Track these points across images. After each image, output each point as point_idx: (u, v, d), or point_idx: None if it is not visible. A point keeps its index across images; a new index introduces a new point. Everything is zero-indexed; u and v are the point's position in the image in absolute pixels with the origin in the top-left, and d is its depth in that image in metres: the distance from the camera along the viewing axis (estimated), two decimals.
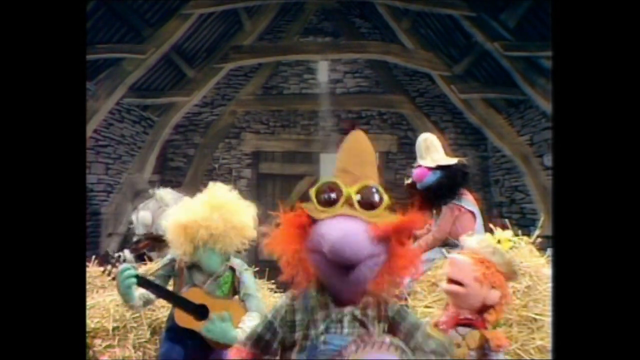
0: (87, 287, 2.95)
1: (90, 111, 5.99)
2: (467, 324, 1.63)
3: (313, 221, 1.28)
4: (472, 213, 3.08)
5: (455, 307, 1.67)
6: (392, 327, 1.34)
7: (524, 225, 5.62)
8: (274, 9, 7.96)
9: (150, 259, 3.69)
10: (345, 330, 1.30)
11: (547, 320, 2.11)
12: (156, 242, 3.74)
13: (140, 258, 3.72)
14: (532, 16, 5.98)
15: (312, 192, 1.33)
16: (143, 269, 3.07)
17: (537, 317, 2.15)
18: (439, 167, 3.07)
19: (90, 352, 2.48)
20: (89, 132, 6.13)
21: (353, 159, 1.36)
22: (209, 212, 2.12)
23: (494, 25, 6.31)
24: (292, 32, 8.49)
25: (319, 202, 1.30)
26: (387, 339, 1.26)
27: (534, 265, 2.47)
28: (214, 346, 2.04)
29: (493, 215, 7.21)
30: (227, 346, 1.97)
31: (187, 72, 7.65)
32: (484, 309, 1.65)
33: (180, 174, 8.21)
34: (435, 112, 8.33)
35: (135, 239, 3.92)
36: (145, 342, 2.58)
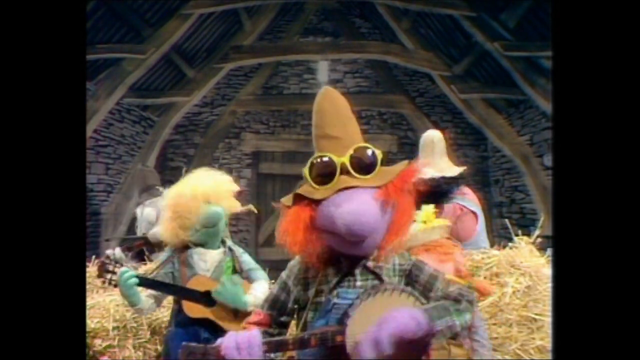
0: (87, 287, 2.95)
1: (90, 111, 5.98)
2: None
3: (315, 202, 1.26)
4: (474, 213, 3.08)
5: None
6: (410, 280, 1.32)
7: (524, 225, 5.62)
8: (274, 9, 7.96)
9: (151, 259, 3.69)
10: (358, 283, 1.28)
11: (547, 320, 2.11)
12: (149, 246, 3.73)
13: (138, 257, 3.70)
14: (532, 16, 5.98)
15: (306, 172, 1.31)
16: (143, 269, 3.06)
17: (537, 317, 2.15)
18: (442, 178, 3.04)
19: (90, 352, 2.48)
20: (89, 132, 6.12)
21: (331, 121, 1.32)
22: (181, 191, 2.23)
23: (494, 25, 6.31)
24: (292, 32, 8.49)
25: (315, 181, 1.28)
26: (400, 285, 1.25)
27: (534, 265, 2.47)
28: (225, 325, 2.06)
29: (493, 215, 7.21)
30: (237, 321, 1.98)
31: (187, 72, 7.65)
32: (456, 273, 1.72)
33: (180, 174, 8.21)
34: (435, 112, 8.33)
35: (132, 237, 3.91)
36: (145, 342, 2.58)
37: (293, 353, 1.29)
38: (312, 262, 1.32)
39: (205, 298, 2.09)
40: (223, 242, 2.29)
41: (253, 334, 1.20)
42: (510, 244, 2.72)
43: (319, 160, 1.29)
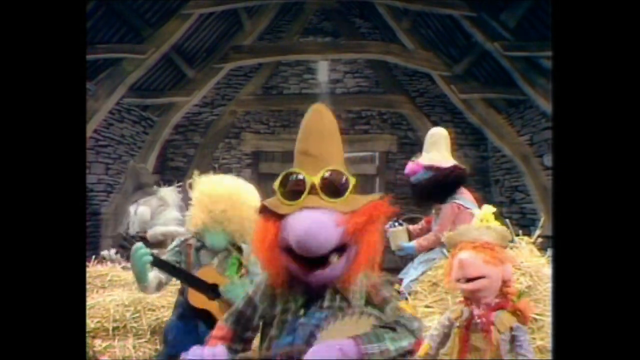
0: (87, 287, 2.95)
1: (90, 111, 5.98)
2: (500, 308, 1.64)
3: (280, 217, 1.25)
4: (472, 213, 3.08)
5: (480, 300, 1.66)
6: (368, 301, 1.33)
7: (524, 225, 5.62)
8: (274, 9, 7.96)
9: None
10: (326, 304, 1.28)
11: (547, 320, 2.11)
12: (145, 242, 3.72)
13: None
14: (532, 16, 5.98)
15: (276, 185, 1.30)
16: None
17: (537, 317, 2.15)
18: (432, 167, 3.06)
19: (90, 352, 2.48)
20: (89, 132, 6.12)
21: (314, 139, 1.32)
22: (228, 195, 2.19)
23: (494, 25, 6.31)
24: (292, 32, 8.48)
25: (283, 195, 1.28)
26: (367, 309, 1.26)
27: (534, 265, 2.47)
28: None
29: None
30: None
31: (187, 72, 7.65)
32: (504, 285, 1.67)
33: (180, 174, 8.19)
34: (435, 112, 8.32)
35: (124, 235, 3.89)
36: (145, 342, 2.59)
37: None
38: (277, 283, 1.32)
39: (211, 290, 2.10)
40: (233, 244, 2.28)
41: (219, 350, 1.21)
42: (510, 244, 2.72)
43: (291, 176, 1.29)
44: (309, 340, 1.19)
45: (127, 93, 6.72)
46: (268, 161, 8.61)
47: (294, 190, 1.27)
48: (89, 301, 2.73)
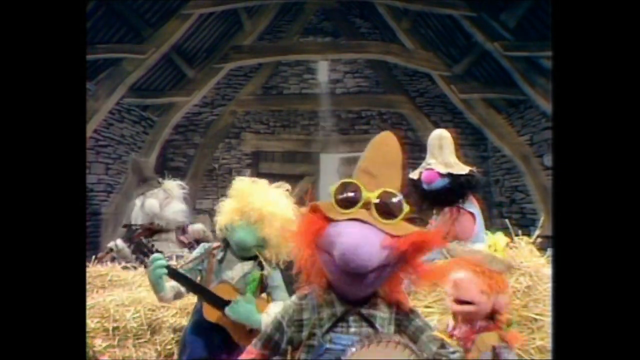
0: (87, 287, 2.95)
1: (90, 111, 5.99)
2: (484, 331, 1.64)
3: (329, 220, 1.25)
4: (472, 214, 3.07)
5: (467, 322, 1.67)
6: (399, 329, 1.32)
7: (524, 225, 5.62)
8: (274, 9, 7.97)
9: (152, 251, 3.67)
10: (352, 330, 1.28)
11: (547, 320, 2.11)
12: (154, 233, 3.71)
13: (140, 251, 3.67)
14: (532, 16, 5.99)
15: (332, 190, 1.30)
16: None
17: (537, 317, 2.15)
18: (450, 175, 3.04)
19: (90, 352, 2.48)
20: (89, 132, 6.12)
21: (378, 160, 1.33)
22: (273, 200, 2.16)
23: (494, 25, 6.32)
24: (292, 32, 8.49)
25: (337, 202, 1.27)
26: (396, 337, 1.24)
27: (534, 265, 2.47)
28: (237, 340, 2.05)
29: (493, 215, 7.22)
30: (250, 337, 1.98)
31: (187, 72, 7.65)
32: (494, 312, 1.67)
33: (180, 174, 8.19)
34: (435, 112, 8.33)
35: (133, 227, 3.87)
36: (145, 342, 2.58)
37: None
38: (310, 280, 1.32)
39: (224, 306, 2.09)
40: (256, 257, 2.26)
41: None
42: (510, 244, 2.71)
43: (348, 185, 1.29)
44: None
45: (127, 93, 6.72)
46: (268, 161, 8.62)
47: (349, 200, 1.26)
48: (89, 301, 2.72)
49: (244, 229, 2.16)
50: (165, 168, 8.32)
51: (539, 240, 2.75)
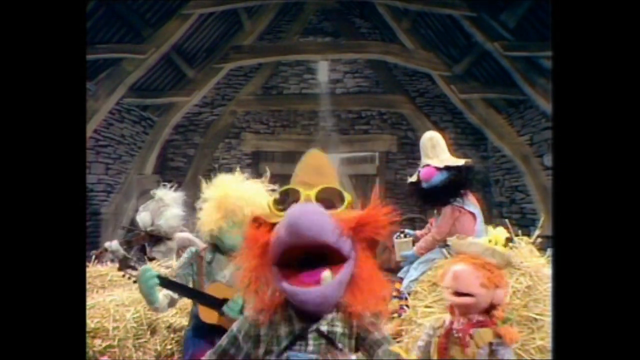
0: (87, 287, 2.95)
1: (90, 111, 5.99)
2: (480, 325, 1.65)
3: (272, 227, 1.23)
4: (473, 214, 3.08)
5: (464, 314, 1.67)
6: (358, 343, 1.29)
7: (524, 225, 5.62)
8: (274, 9, 7.97)
9: (151, 255, 3.68)
10: (310, 348, 1.24)
11: (547, 320, 2.11)
12: (151, 238, 3.73)
13: (127, 266, 3.68)
14: (532, 16, 5.99)
15: (270, 201, 1.30)
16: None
17: (537, 317, 2.15)
18: (447, 168, 3.06)
19: (90, 352, 2.48)
20: (89, 132, 6.13)
21: (311, 172, 1.33)
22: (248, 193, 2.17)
23: (494, 25, 6.32)
24: (292, 32, 8.49)
25: (277, 208, 1.27)
26: (353, 356, 1.22)
27: (534, 265, 2.47)
28: None
29: (493, 215, 7.21)
30: None
31: (187, 72, 7.65)
32: (491, 307, 1.67)
33: (180, 174, 8.20)
34: (435, 112, 8.33)
35: (133, 230, 3.91)
36: (145, 342, 2.58)
37: None
38: (263, 307, 1.27)
39: (221, 305, 2.09)
40: None
41: None
42: (510, 244, 2.71)
43: (286, 190, 1.30)
44: None
45: (127, 93, 6.73)
46: (268, 161, 8.60)
47: (289, 202, 1.26)
48: (89, 301, 2.72)
49: (232, 232, 2.16)
50: (165, 168, 8.34)
51: (539, 240, 2.75)
